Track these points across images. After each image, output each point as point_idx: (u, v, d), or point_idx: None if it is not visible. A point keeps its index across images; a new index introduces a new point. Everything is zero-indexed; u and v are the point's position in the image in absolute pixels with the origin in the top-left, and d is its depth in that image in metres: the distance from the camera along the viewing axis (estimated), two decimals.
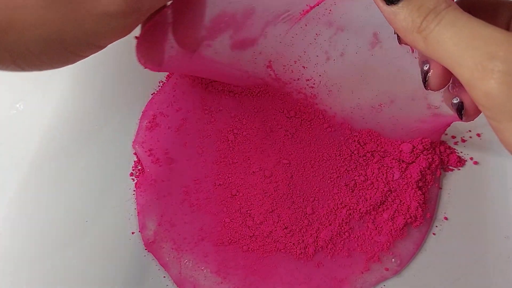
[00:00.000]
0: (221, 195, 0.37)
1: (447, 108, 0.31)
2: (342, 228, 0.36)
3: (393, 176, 0.37)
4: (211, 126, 0.39)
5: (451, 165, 0.39)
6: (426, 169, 0.37)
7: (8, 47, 0.23)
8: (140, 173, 0.38)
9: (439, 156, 0.38)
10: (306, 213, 0.37)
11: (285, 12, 0.32)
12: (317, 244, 0.36)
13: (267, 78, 0.37)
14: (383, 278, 0.36)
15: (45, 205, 0.37)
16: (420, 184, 0.37)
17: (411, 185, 0.37)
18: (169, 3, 0.29)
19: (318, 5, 0.31)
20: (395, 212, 0.37)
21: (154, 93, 0.40)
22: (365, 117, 0.38)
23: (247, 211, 0.37)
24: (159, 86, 0.41)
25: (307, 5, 0.31)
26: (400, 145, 0.38)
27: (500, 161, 0.39)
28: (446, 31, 0.20)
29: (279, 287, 0.35)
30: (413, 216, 0.36)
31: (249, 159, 0.38)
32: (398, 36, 0.24)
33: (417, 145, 0.37)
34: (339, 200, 0.37)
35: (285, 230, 0.36)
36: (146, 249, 0.36)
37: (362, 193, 0.37)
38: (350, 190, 0.37)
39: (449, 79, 0.23)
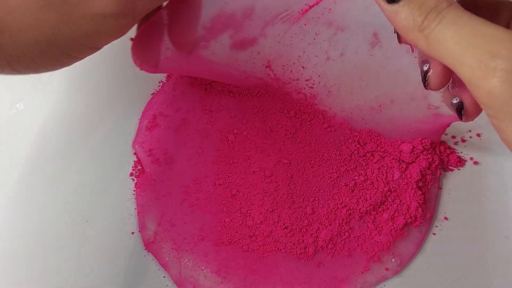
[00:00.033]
0: (221, 195, 0.37)
1: (447, 108, 0.31)
2: (342, 228, 0.36)
3: (393, 176, 0.37)
4: (211, 126, 0.39)
5: (451, 165, 0.39)
6: (426, 169, 0.37)
7: (3, 50, 0.23)
8: (140, 173, 0.38)
9: (439, 156, 0.38)
10: (306, 213, 0.37)
11: (284, 12, 0.32)
12: (317, 244, 0.36)
13: (266, 78, 0.37)
14: (383, 278, 0.36)
15: (44, 205, 0.37)
16: (420, 184, 0.37)
17: (411, 185, 0.37)
18: (164, 4, 0.28)
19: (317, 4, 0.31)
20: (395, 212, 0.37)
21: (154, 93, 0.40)
22: (364, 118, 0.38)
23: (247, 211, 0.37)
24: (159, 86, 0.41)
25: (306, 4, 0.31)
26: (400, 145, 0.38)
27: (500, 161, 0.39)
28: (447, 30, 0.20)
29: (279, 287, 0.35)
30: (413, 216, 0.36)
31: (249, 159, 0.38)
32: (398, 35, 0.24)
33: (417, 145, 0.37)
34: (339, 200, 0.37)
35: (285, 230, 0.36)
36: (146, 249, 0.36)
37: (362, 193, 0.37)
38: (350, 190, 0.37)
39: (449, 79, 0.23)
